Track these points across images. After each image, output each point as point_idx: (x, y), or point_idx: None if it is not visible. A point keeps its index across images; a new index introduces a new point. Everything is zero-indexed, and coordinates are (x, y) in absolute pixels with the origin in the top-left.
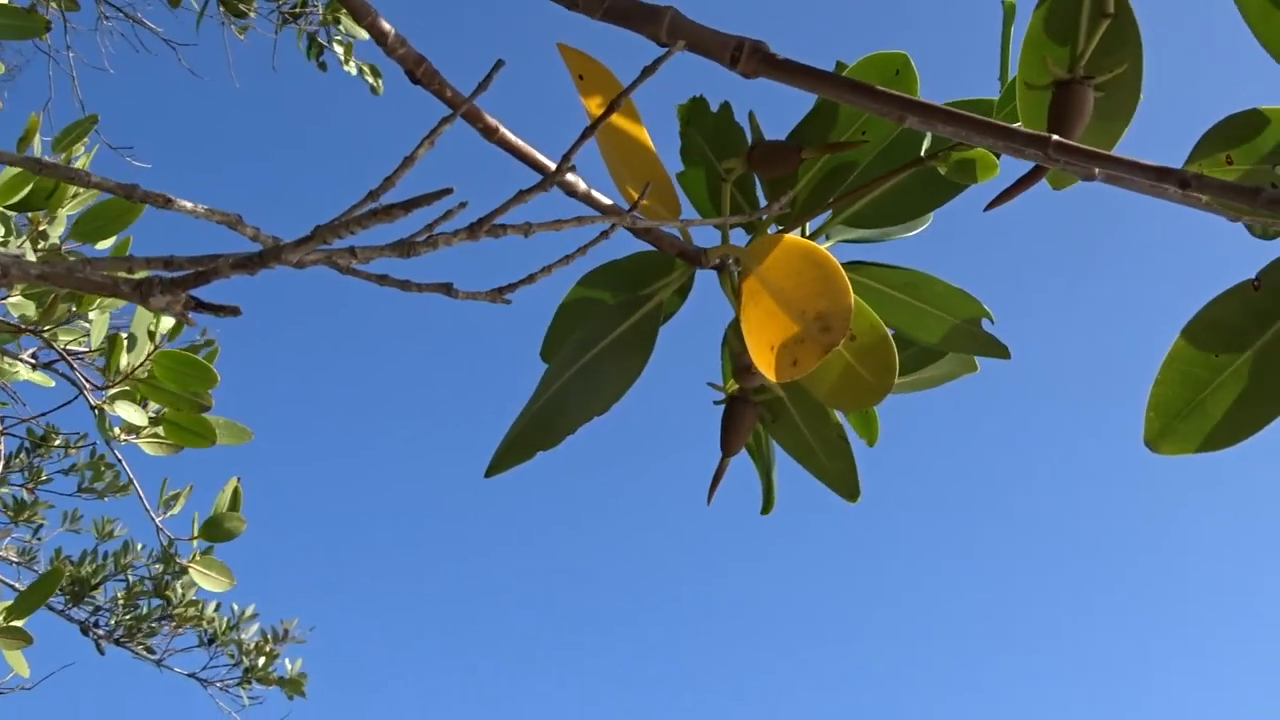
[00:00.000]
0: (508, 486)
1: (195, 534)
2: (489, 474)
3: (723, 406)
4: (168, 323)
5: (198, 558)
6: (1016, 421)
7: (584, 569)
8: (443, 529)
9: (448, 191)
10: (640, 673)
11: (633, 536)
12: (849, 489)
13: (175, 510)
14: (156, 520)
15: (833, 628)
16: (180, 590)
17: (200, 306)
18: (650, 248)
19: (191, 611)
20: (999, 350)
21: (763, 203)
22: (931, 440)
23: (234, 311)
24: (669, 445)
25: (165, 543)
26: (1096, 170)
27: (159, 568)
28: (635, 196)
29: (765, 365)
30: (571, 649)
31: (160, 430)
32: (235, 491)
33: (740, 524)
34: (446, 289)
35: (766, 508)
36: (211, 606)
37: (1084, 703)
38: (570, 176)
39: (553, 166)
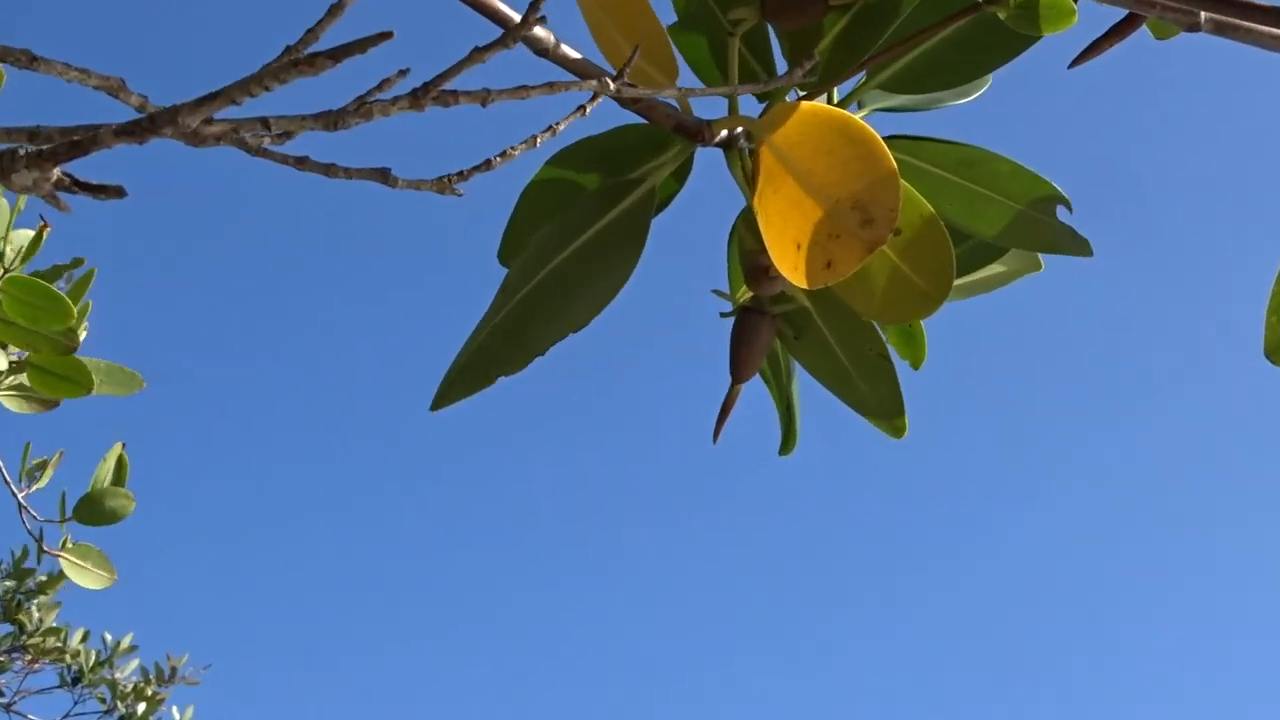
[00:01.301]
0: (464, 425)
1: (66, 515)
2: (435, 406)
3: (731, 320)
4: (21, 238)
5: (69, 545)
6: (1094, 335)
7: (560, 546)
8: (390, 510)
9: (387, 35)
10: (633, 658)
11: (618, 490)
12: (894, 420)
13: (41, 484)
14: (19, 496)
15: (864, 583)
16: (37, 614)
17: (76, 185)
18: (640, 120)
19: (51, 642)
20: (1077, 245)
21: (781, 64)
22: (984, 359)
23: (117, 192)
24: (663, 370)
25: (36, 533)
26: (1203, 15)
27: (10, 584)
28: (622, 57)
29: (790, 268)
30: (547, 659)
31: (24, 379)
32: (120, 460)
33: (752, 465)
34: (383, 175)
35: (786, 447)
36: (77, 636)
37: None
38: (539, 31)
39: (518, 18)
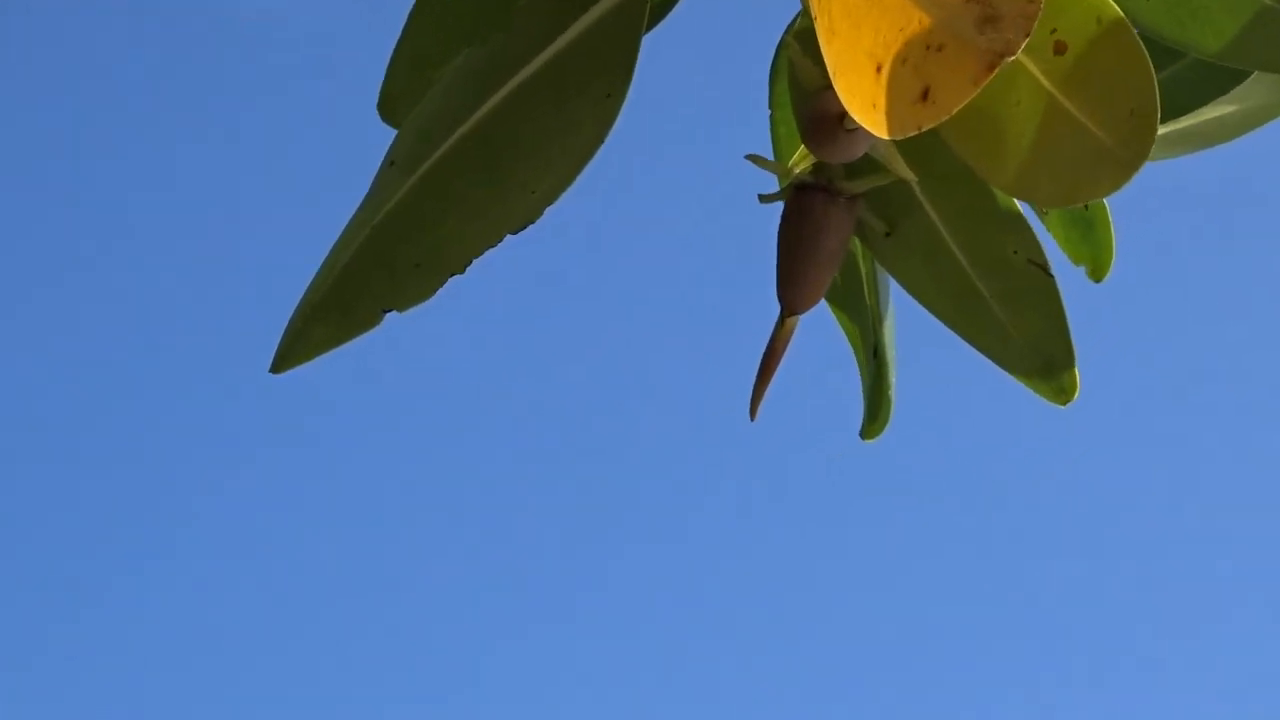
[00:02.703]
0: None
1: None
2: (279, 365)
3: (779, 207)
4: None
5: None
6: None
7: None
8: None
9: None
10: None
11: (611, 495)
12: (1055, 373)
13: None
14: None
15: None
16: None
17: None
18: None
19: None
20: None
21: None
22: (1201, 262)
23: None
24: (665, 296)
25: None
26: None
27: None
28: None
29: (863, 104)
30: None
31: None
32: None
33: (815, 451)
34: None
35: (874, 423)
36: None
37: None
38: None
39: None
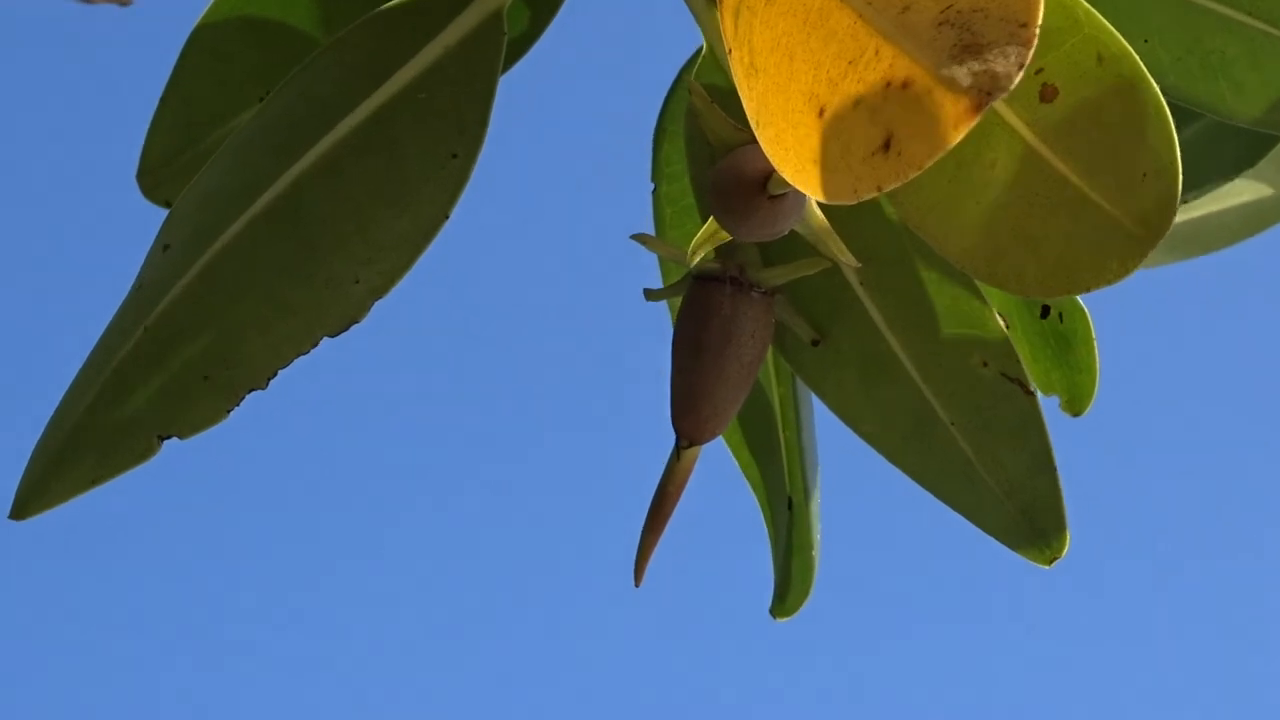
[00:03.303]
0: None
1: None
2: (19, 512)
3: (675, 304)
4: None
5: None
6: None
7: None
8: None
9: None
10: None
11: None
12: (1039, 527)
13: None
14: None
15: None
16: None
17: None
18: None
19: None
20: None
21: None
22: (1212, 389)
23: None
24: (531, 418)
25: None
26: None
27: None
28: None
29: (799, 158)
30: None
31: None
32: None
33: (716, 623)
34: None
35: (783, 600)
36: None
37: None
38: None
39: None
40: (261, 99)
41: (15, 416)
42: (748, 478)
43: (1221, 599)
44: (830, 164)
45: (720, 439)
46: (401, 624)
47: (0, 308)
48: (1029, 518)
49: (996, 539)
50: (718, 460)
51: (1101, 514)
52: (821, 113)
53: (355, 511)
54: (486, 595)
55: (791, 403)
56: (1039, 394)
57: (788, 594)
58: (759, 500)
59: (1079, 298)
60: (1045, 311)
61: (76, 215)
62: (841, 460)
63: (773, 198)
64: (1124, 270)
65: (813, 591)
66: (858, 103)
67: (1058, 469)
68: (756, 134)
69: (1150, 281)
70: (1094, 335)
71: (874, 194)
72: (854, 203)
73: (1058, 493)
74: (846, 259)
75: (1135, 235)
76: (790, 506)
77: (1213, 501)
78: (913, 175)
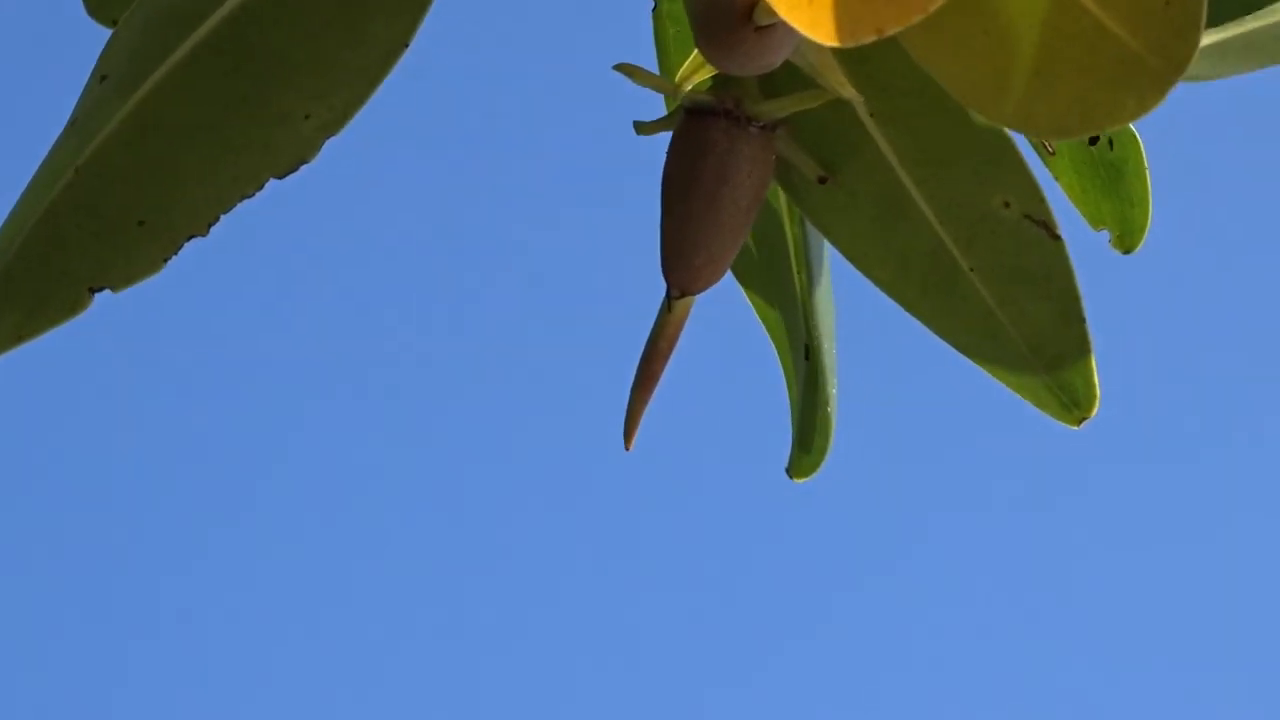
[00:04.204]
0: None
1: None
2: None
3: (665, 138)
4: None
5: None
6: None
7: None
8: None
9: None
10: None
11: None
12: (1065, 383)
13: None
14: None
15: None
16: None
17: None
18: None
19: None
20: None
21: None
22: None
23: None
24: (512, 267)
25: None
26: None
27: None
28: None
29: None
30: None
31: None
32: None
33: (717, 491)
34: None
35: (805, 454)
36: None
37: None
38: None
39: None
40: None
41: None
42: (764, 322)
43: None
44: (829, 3)
45: (736, 284)
46: (394, 455)
47: None
48: (1055, 374)
49: (1020, 396)
50: (727, 311)
51: (1140, 372)
52: None
53: (351, 350)
54: (475, 465)
55: (803, 243)
56: (1089, 228)
57: (808, 449)
58: (777, 347)
59: (1131, 125)
60: (1094, 139)
61: (12, 37)
62: (857, 311)
63: (759, 28)
64: (1142, 108)
65: (831, 449)
66: None
67: (1087, 321)
68: None
69: (1209, 96)
70: (1146, 165)
71: (874, 38)
72: (851, 45)
73: (1087, 348)
74: (849, 93)
75: (1154, 69)
76: (808, 355)
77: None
78: (917, 19)
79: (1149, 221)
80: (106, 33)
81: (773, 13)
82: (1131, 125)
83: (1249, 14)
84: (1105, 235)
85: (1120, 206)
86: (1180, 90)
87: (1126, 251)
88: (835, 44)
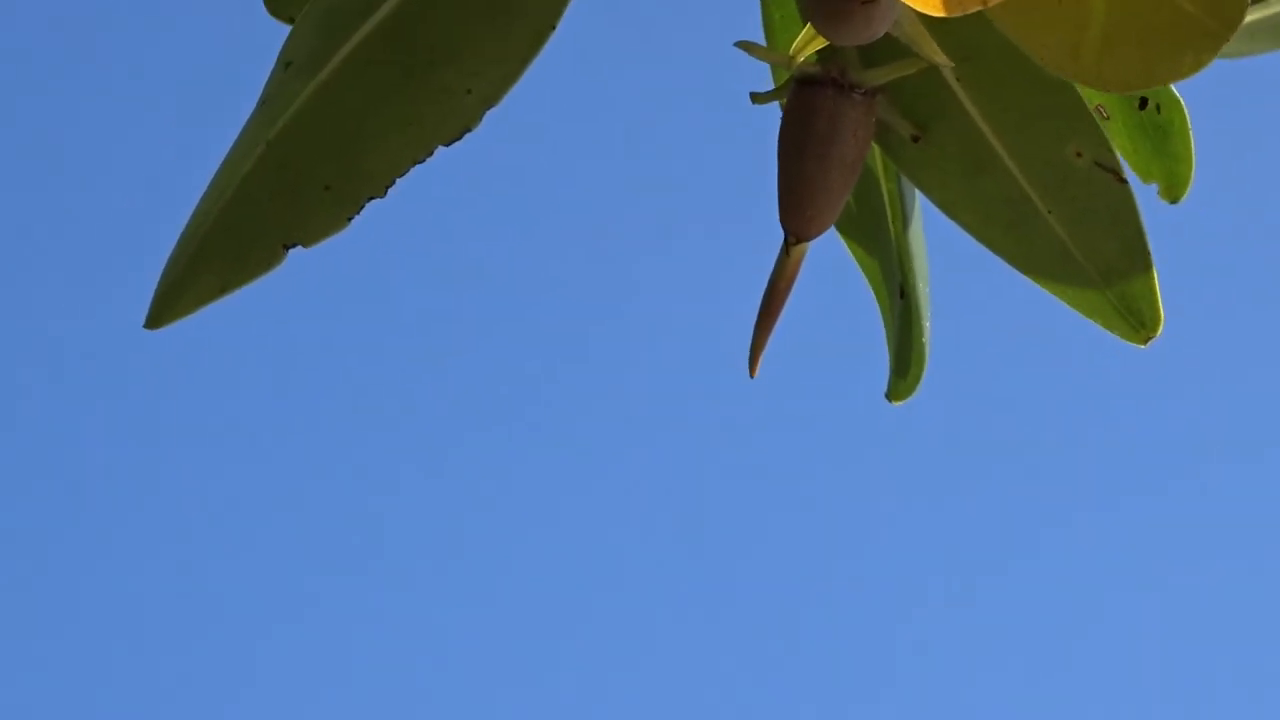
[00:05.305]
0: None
1: None
2: (155, 320)
3: (778, 107)
4: None
5: None
6: None
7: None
8: None
9: None
10: None
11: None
12: (1133, 304)
13: None
14: None
15: None
16: None
17: None
18: None
19: None
20: None
21: None
22: None
23: None
24: (643, 222)
25: None
26: None
27: None
28: None
29: None
30: None
31: None
32: None
33: (829, 411)
34: None
35: (902, 380)
36: None
37: None
38: None
39: None
40: None
41: (152, 228)
42: (863, 268)
43: None
44: None
45: (837, 236)
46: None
47: (137, 125)
48: (1124, 300)
49: (1094, 321)
50: (830, 258)
51: (1196, 299)
52: None
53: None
54: (615, 382)
55: (897, 196)
56: (1139, 181)
57: (905, 377)
58: (874, 289)
59: (1175, 89)
60: (1143, 103)
61: (208, 33)
62: (948, 253)
63: (865, 2)
64: (1198, 64)
65: (925, 376)
66: None
67: (1151, 253)
68: None
69: (1245, 72)
70: (1190, 126)
71: (980, 6)
72: (963, 13)
73: (1151, 275)
74: (941, 60)
75: (1209, 29)
76: (903, 294)
77: None
78: None
79: (1193, 175)
80: (285, 29)
81: None
82: (1176, 92)
83: None
84: (1154, 188)
85: (1167, 163)
86: (1215, 65)
87: (1173, 201)
88: (950, 14)
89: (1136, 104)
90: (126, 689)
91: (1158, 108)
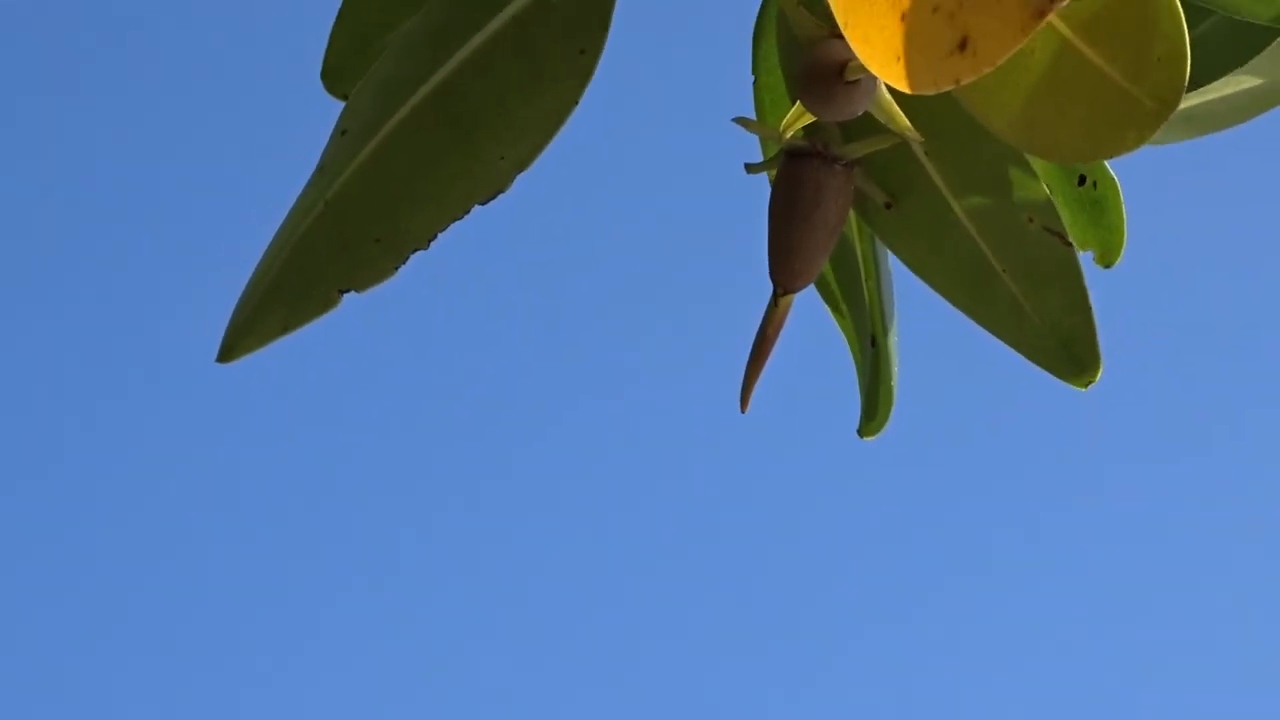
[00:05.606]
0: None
1: None
2: (226, 355)
3: (769, 176)
4: None
5: None
6: None
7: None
8: None
9: None
10: None
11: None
12: (1076, 353)
13: None
14: None
15: None
16: None
17: None
18: None
19: None
20: None
21: None
22: (1218, 254)
23: None
24: (642, 273)
25: None
26: None
27: None
28: None
29: (884, 57)
30: None
31: None
32: None
33: (808, 442)
34: None
35: (871, 420)
36: None
37: None
38: None
39: None
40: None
41: (223, 277)
42: (837, 321)
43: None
44: (913, 61)
45: (813, 289)
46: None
47: (211, 189)
48: (1068, 349)
49: (1041, 367)
50: (810, 310)
51: (1130, 350)
52: (904, 17)
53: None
54: (625, 414)
55: (872, 257)
56: (1078, 249)
57: (873, 417)
58: (847, 339)
59: (1110, 169)
60: (1082, 180)
61: (271, 109)
62: (914, 306)
63: (848, 83)
64: (1140, 139)
65: (893, 415)
66: (936, 8)
67: (1093, 308)
68: (845, 34)
69: (1168, 157)
70: (1122, 200)
71: (951, 86)
72: (937, 91)
73: (1092, 327)
74: (912, 135)
75: (1149, 109)
76: (874, 344)
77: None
78: (986, 71)
79: (1124, 244)
80: (339, 105)
81: (861, 69)
82: (1110, 170)
83: (1195, 90)
84: (1089, 255)
85: (1101, 233)
86: (1145, 150)
87: (1107, 266)
88: (923, 92)
89: (1075, 181)
90: (135, 690)
91: (1094, 184)
